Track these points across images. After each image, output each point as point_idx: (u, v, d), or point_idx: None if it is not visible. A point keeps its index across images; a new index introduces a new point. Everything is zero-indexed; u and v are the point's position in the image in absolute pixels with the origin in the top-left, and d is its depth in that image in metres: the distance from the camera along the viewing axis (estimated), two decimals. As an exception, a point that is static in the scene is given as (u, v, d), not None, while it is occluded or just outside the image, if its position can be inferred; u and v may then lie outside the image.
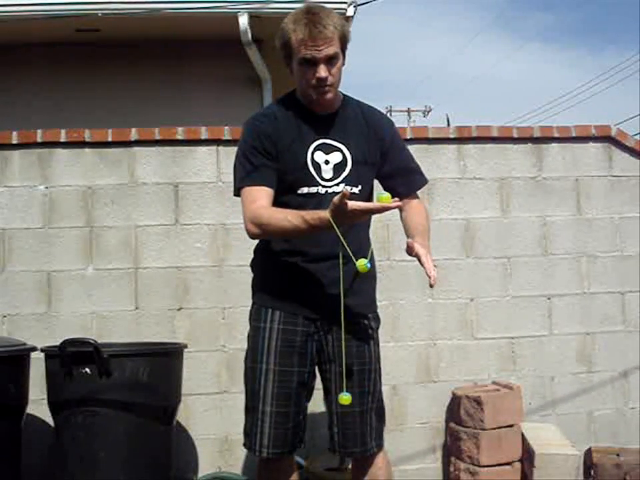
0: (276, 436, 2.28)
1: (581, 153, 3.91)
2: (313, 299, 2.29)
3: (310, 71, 2.20)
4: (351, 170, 2.30)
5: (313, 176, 2.27)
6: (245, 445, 2.38)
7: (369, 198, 2.38)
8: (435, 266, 2.17)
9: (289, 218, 2.15)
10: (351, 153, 2.31)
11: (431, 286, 2.17)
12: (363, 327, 2.35)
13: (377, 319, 2.44)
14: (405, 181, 2.44)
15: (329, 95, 2.25)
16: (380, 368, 2.41)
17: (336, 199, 2.02)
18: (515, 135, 3.88)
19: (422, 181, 2.50)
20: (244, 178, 2.28)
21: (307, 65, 2.20)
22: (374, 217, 2.45)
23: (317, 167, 2.28)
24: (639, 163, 3.94)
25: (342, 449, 2.36)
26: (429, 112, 28.90)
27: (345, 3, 5.52)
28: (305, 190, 2.27)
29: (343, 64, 2.28)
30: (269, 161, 2.26)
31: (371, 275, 2.40)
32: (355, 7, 5.65)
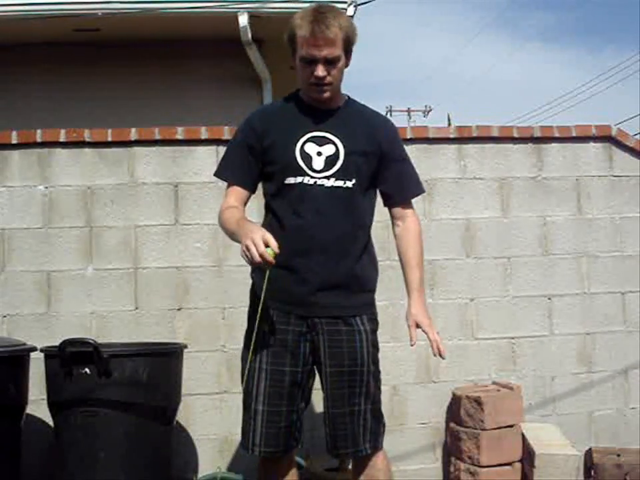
0: (268, 435, 2.29)
1: (581, 152, 3.91)
2: (304, 297, 2.28)
3: (309, 69, 2.25)
4: (343, 163, 2.30)
5: (300, 166, 2.29)
6: (241, 443, 2.38)
7: (366, 192, 2.37)
8: (437, 332, 2.36)
9: (234, 218, 2.28)
10: (344, 147, 2.31)
11: (441, 357, 2.33)
12: (355, 327, 2.33)
13: (374, 321, 2.41)
14: (400, 187, 2.45)
15: (326, 95, 2.30)
16: (378, 370, 2.39)
17: None
18: (515, 135, 3.87)
19: (418, 189, 2.51)
20: (224, 169, 2.44)
21: (306, 62, 2.24)
22: (373, 218, 2.45)
23: (307, 158, 2.29)
24: (639, 163, 3.94)
25: (333, 449, 2.36)
26: (429, 112, 28.93)
27: (345, 2, 5.51)
28: (291, 180, 2.30)
29: (347, 65, 2.31)
30: (250, 156, 2.34)
31: (368, 277, 2.40)
32: (355, 6, 5.65)
